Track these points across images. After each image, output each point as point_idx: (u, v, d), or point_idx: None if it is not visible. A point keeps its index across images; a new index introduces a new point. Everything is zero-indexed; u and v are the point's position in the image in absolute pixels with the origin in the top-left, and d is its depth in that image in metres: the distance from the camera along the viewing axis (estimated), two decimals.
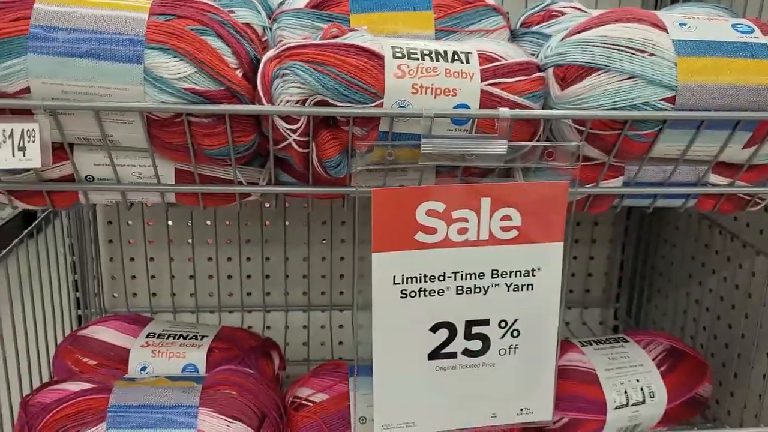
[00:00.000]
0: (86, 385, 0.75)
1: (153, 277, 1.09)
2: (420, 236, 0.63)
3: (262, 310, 1.12)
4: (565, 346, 0.86)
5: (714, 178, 0.71)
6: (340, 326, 1.14)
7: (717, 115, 0.63)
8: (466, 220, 0.64)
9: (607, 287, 1.17)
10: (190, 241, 1.08)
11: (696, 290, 1.02)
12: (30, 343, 0.84)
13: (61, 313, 0.96)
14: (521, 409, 0.71)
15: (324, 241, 1.10)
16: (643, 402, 0.82)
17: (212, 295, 1.11)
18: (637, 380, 0.82)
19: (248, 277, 1.11)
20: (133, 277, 1.09)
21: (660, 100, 0.62)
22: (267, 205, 1.07)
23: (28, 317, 0.84)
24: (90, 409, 0.72)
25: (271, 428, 0.74)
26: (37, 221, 0.91)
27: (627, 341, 0.88)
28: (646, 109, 0.63)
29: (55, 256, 0.95)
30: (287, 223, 1.08)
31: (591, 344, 0.87)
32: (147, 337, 0.86)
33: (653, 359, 0.85)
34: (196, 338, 0.86)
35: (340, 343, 1.15)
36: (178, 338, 0.86)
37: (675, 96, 0.62)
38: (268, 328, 1.12)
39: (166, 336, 0.86)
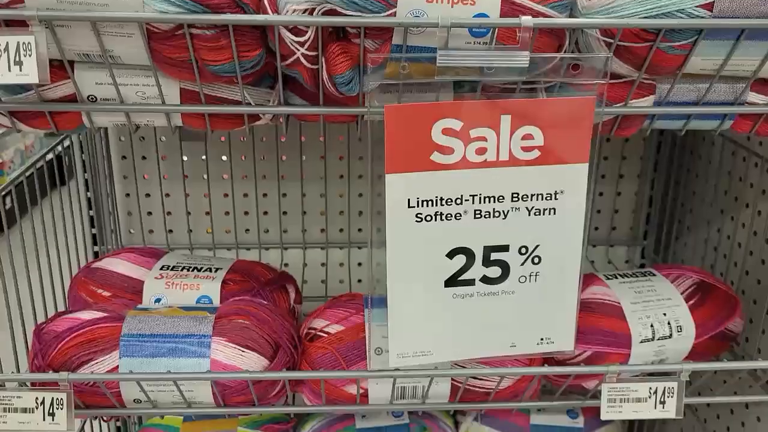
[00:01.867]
0: (99, 314, 0.74)
1: (169, 213, 1.08)
2: (436, 156, 0.60)
3: (280, 247, 1.10)
4: (589, 279, 0.83)
5: (753, 97, 0.66)
6: (359, 264, 1.13)
7: (758, 23, 0.58)
8: (484, 139, 0.60)
9: (634, 225, 1.13)
10: (205, 176, 1.06)
11: (728, 226, 0.98)
12: (46, 278, 0.84)
13: (76, 249, 0.95)
14: (541, 339, 0.68)
15: (341, 177, 1.08)
16: (670, 336, 0.79)
17: (229, 231, 1.09)
18: (664, 314, 0.79)
19: (265, 213, 1.09)
20: (149, 213, 1.08)
21: (697, 6, 0.57)
22: (283, 139, 1.05)
23: (47, 254, 0.83)
24: (103, 337, 0.72)
25: (285, 358, 0.73)
26: (56, 142, 0.89)
27: (654, 275, 0.85)
28: (681, 17, 0.58)
29: (72, 195, 0.94)
30: (304, 158, 1.06)
31: (616, 278, 0.84)
32: (161, 269, 0.85)
33: (682, 293, 0.82)
34: (211, 270, 0.85)
35: (359, 281, 1.13)
36: (192, 270, 0.85)
37: (713, 2, 0.57)
38: (286, 265, 1.11)
39: (180, 268, 0.85)
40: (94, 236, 1.06)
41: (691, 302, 0.81)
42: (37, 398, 0.64)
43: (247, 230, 1.10)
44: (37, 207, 0.83)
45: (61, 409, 0.64)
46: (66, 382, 0.64)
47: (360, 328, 0.75)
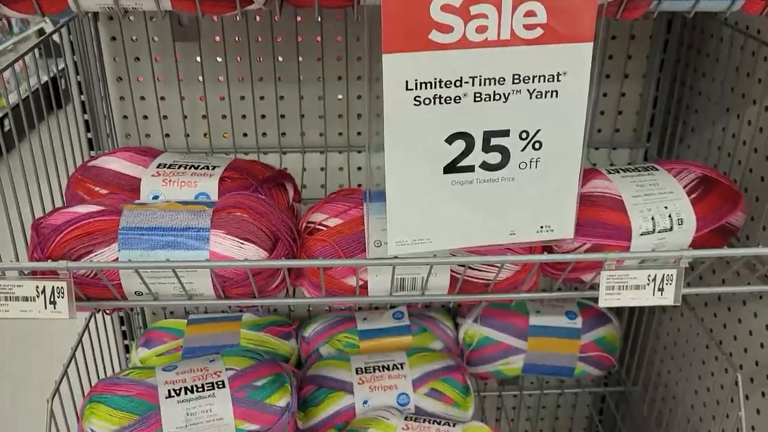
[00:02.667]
0: (96, 208, 0.73)
1: (165, 117, 1.06)
2: (434, 35, 0.58)
3: (278, 152, 1.09)
4: (590, 173, 0.82)
5: None
6: (359, 168, 1.12)
7: None
8: (485, 16, 0.58)
9: (638, 126, 1.11)
10: (200, 78, 1.03)
11: (733, 124, 0.96)
12: (43, 183, 0.83)
13: (72, 154, 0.94)
14: (541, 227, 0.68)
15: (340, 79, 1.05)
16: (671, 229, 0.78)
17: (227, 136, 1.08)
18: (666, 207, 0.79)
19: (263, 117, 1.07)
20: (145, 117, 1.06)
21: None
22: (279, 39, 1.02)
23: (44, 164, 0.83)
24: (101, 230, 0.72)
25: (284, 251, 0.73)
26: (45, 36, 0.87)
27: (657, 170, 0.84)
28: None
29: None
30: (301, 59, 1.03)
31: (618, 172, 0.83)
32: (158, 167, 0.84)
33: (684, 187, 0.81)
34: (208, 168, 0.84)
35: (359, 185, 1.12)
36: (190, 168, 0.84)
37: None
38: (285, 169, 1.09)
39: (177, 166, 0.84)
40: (90, 141, 1.04)
41: (693, 196, 0.80)
42: (37, 287, 0.64)
43: (245, 134, 1.08)
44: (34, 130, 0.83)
45: (62, 297, 0.64)
46: (65, 270, 0.64)
47: (359, 222, 0.75)
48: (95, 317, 0.96)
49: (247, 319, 1.11)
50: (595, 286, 0.77)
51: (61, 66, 0.98)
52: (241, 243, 0.71)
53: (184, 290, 0.71)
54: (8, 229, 0.77)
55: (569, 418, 1.33)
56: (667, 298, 0.70)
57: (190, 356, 1.03)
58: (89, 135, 1.04)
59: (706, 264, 0.80)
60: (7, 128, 3.32)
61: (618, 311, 1.21)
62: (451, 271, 0.75)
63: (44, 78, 0.83)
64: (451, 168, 0.64)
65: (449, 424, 0.93)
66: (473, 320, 1.11)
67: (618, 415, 1.22)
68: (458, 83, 0.60)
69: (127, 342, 1.18)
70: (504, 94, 0.61)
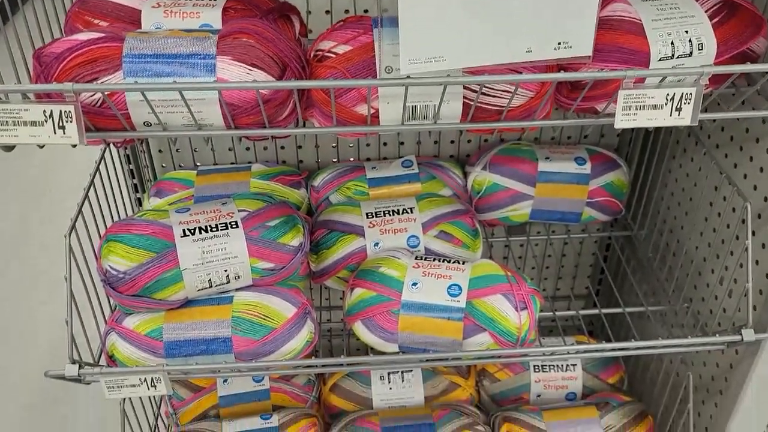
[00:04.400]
0: (98, 35, 0.71)
1: None
2: None
3: None
4: None
5: None
6: (365, 11, 1.07)
7: None
8: None
9: None
10: None
11: None
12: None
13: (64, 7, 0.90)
14: (559, 44, 0.65)
15: None
16: (690, 54, 0.76)
17: None
18: (686, 32, 0.76)
19: None
20: None
21: None
22: None
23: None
24: (105, 57, 0.70)
25: (293, 77, 0.71)
26: None
27: None
28: None
29: None
30: None
31: None
32: None
33: (706, 11, 0.78)
34: None
35: None
36: None
37: None
38: None
39: None
40: None
41: (715, 20, 0.77)
42: (45, 111, 0.63)
43: None
44: None
45: (71, 122, 0.63)
46: (71, 92, 0.63)
47: (369, 48, 0.73)
48: (105, 160, 0.96)
49: (257, 169, 1.11)
50: (610, 115, 0.76)
51: None
52: (249, 69, 0.70)
53: (193, 119, 0.70)
54: (11, 65, 0.75)
55: (574, 266, 1.36)
56: (685, 118, 0.69)
57: None
58: None
59: (720, 90, 0.78)
60: None
61: (628, 157, 1.21)
62: (464, 98, 0.73)
63: None
64: None
65: (459, 262, 0.95)
66: (482, 167, 1.11)
67: (623, 258, 1.24)
68: None
69: (138, 195, 1.19)
70: None
